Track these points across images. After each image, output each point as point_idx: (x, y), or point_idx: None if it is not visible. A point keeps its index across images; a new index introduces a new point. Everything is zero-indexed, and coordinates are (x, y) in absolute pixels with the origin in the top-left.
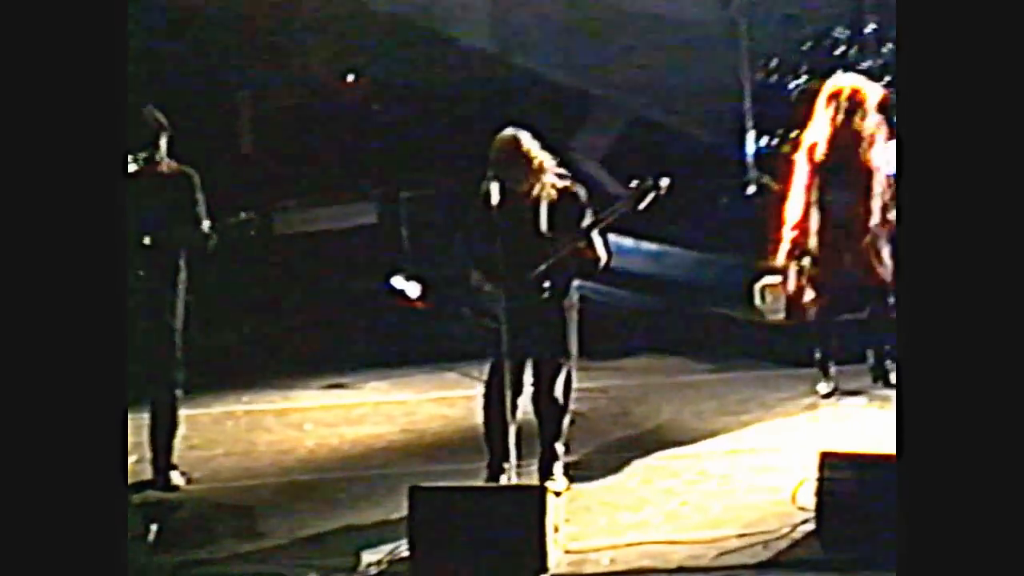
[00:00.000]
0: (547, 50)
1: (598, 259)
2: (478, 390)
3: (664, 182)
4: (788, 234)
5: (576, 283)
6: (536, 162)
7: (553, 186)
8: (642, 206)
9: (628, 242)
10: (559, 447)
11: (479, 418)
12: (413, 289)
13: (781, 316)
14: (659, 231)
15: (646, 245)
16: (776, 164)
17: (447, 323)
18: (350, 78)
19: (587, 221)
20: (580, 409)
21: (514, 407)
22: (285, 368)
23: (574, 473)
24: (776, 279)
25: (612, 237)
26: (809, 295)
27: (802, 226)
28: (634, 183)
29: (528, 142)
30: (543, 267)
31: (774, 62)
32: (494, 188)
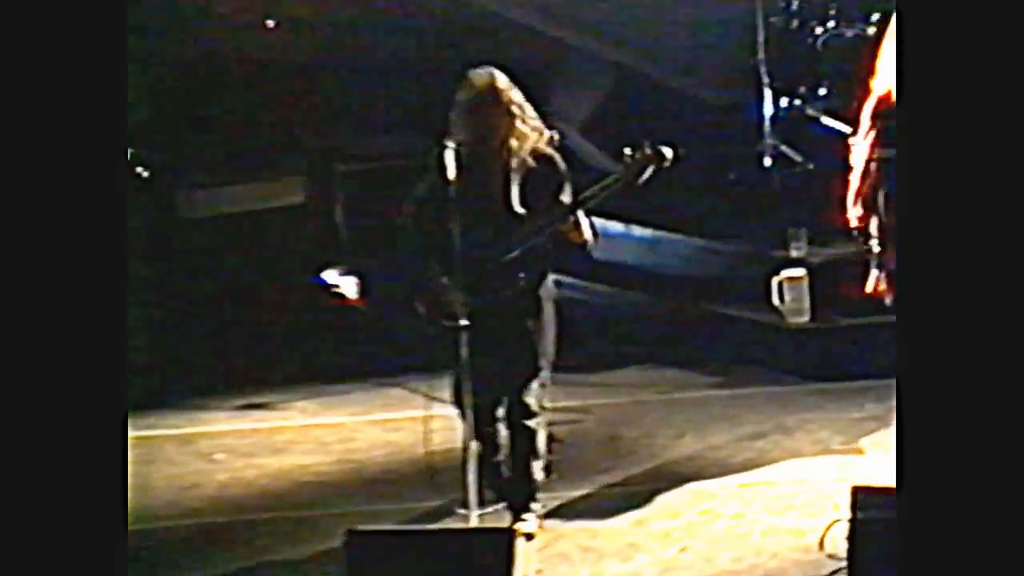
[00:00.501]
0: None
1: (585, 242)
2: (434, 409)
3: (668, 152)
4: (853, 213)
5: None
6: (517, 115)
7: (534, 150)
8: (641, 180)
9: (616, 227)
10: (537, 471)
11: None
12: (350, 286)
13: (805, 318)
14: (654, 213)
15: (638, 231)
16: (798, 130)
17: (392, 327)
18: (270, 23)
19: (566, 194)
20: (559, 433)
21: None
22: (190, 384)
23: (550, 511)
24: (799, 272)
25: (596, 221)
26: (881, 285)
27: (867, 202)
28: (629, 151)
29: (508, 87)
30: (516, 251)
31: (795, 4)
32: (449, 155)
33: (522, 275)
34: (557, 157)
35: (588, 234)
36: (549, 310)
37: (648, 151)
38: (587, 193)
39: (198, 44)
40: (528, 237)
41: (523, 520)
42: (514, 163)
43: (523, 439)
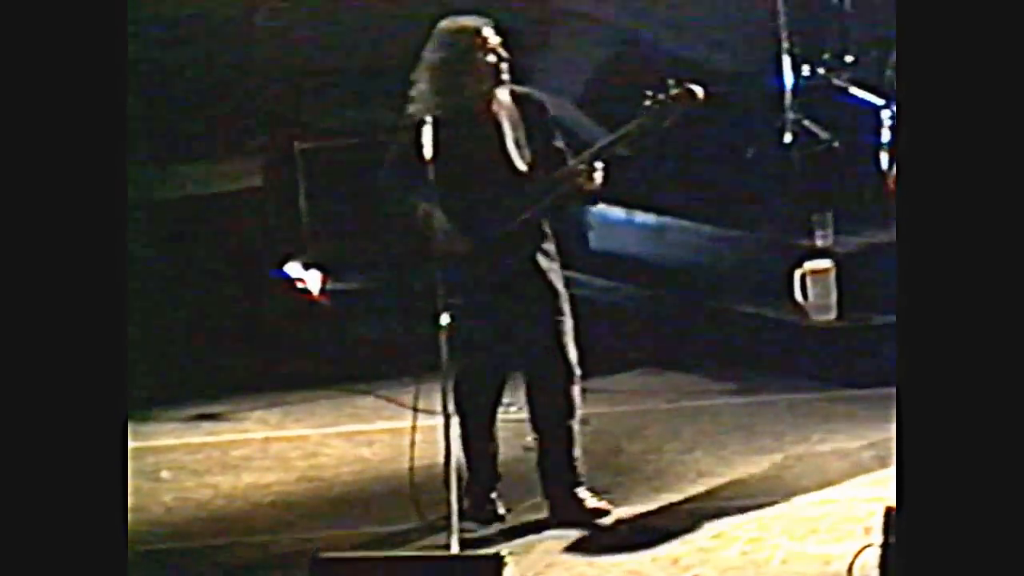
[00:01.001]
0: None
1: (598, 194)
2: (407, 421)
3: (698, 90)
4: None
5: None
6: (503, 65)
7: (515, 95)
8: (665, 124)
9: (617, 213)
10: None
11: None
12: (314, 279)
13: (831, 315)
14: (660, 197)
15: (641, 217)
16: (823, 101)
17: (362, 327)
18: None
19: (558, 140)
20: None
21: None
22: (133, 391)
23: (543, 536)
24: (824, 263)
25: (595, 206)
26: None
27: None
28: (651, 92)
29: (492, 35)
30: (528, 213)
31: None
32: (427, 131)
33: (545, 244)
34: (535, 93)
35: (600, 180)
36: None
37: (675, 91)
38: (604, 142)
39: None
40: (542, 197)
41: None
42: (499, 114)
43: (559, 435)
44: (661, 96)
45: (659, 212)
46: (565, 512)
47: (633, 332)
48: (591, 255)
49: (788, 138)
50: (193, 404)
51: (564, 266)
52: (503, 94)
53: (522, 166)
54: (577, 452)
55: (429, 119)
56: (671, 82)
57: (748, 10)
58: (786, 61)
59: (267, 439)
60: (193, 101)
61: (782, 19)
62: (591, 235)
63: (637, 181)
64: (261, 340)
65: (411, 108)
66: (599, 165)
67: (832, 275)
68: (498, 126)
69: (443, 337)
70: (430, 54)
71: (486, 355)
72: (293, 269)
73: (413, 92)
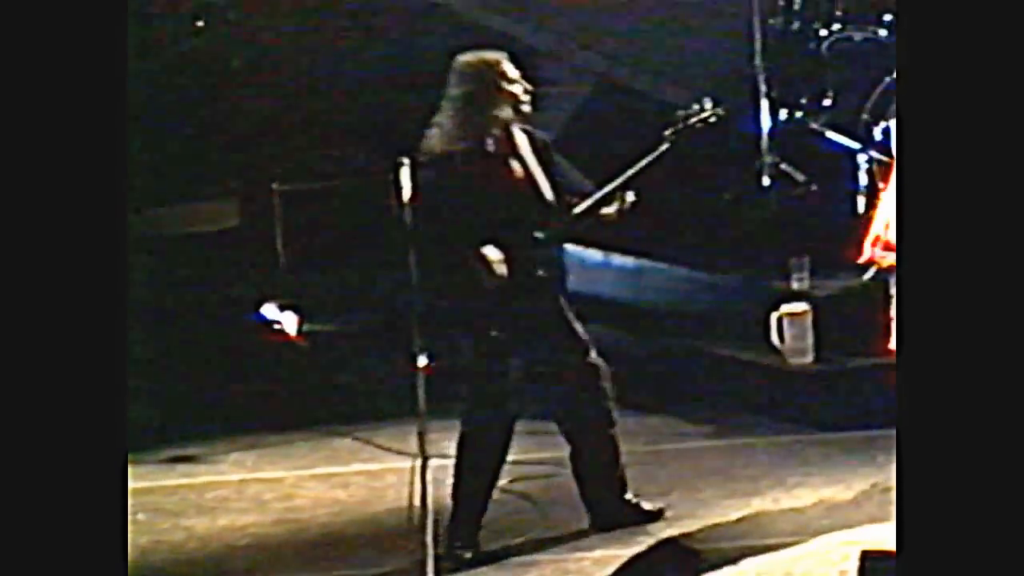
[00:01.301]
0: None
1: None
2: (384, 463)
3: (717, 109)
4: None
5: None
6: (525, 96)
7: (523, 131)
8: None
9: (593, 256)
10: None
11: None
12: (290, 321)
13: (808, 359)
14: (637, 240)
15: (618, 260)
16: (800, 145)
17: (337, 370)
18: (199, 24)
19: (560, 175)
20: (527, 490)
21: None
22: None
23: None
24: (801, 306)
25: (572, 249)
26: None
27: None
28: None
29: (511, 67)
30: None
31: (797, 4)
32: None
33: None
34: (537, 130)
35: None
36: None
37: (694, 117)
38: (633, 170)
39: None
40: (573, 225)
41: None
42: (524, 151)
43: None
44: (680, 125)
45: (636, 255)
46: (615, 517)
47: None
48: (568, 297)
49: (765, 181)
50: (168, 446)
51: None
52: (516, 129)
53: (550, 196)
54: (623, 459)
55: (407, 162)
56: (694, 108)
57: (726, 54)
58: (764, 105)
59: (243, 481)
60: (170, 143)
61: (759, 63)
62: (568, 278)
63: (614, 224)
64: (237, 382)
65: (432, 142)
66: (630, 193)
67: (808, 318)
68: (521, 158)
69: (421, 378)
70: (454, 89)
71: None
72: (269, 311)
73: (433, 129)
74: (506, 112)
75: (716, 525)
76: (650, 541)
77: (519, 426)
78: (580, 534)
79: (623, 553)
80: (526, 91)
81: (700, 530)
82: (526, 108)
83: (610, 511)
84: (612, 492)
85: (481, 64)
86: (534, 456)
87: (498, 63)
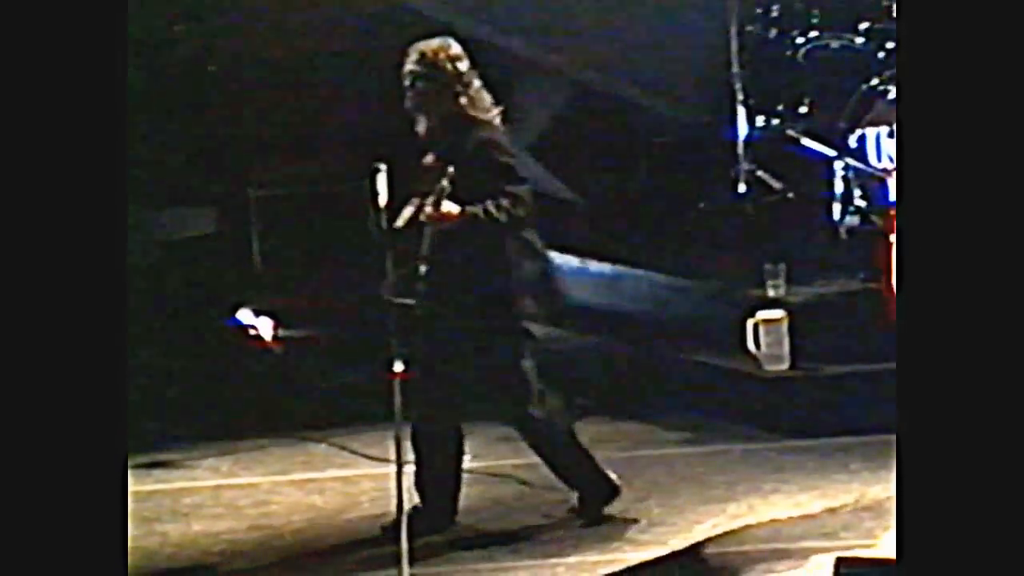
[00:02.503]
0: None
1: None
2: (359, 469)
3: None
4: None
5: None
6: (462, 93)
7: (478, 138)
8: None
9: (571, 262)
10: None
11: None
12: (265, 326)
13: (784, 365)
14: (613, 246)
15: (595, 266)
16: (776, 152)
17: (315, 374)
18: (177, 28)
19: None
20: (501, 496)
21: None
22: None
23: None
24: (777, 313)
25: (552, 255)
26: None
27: None
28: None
29: (453, 58)
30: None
31: (774, 11)
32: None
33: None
34: (504, 144)
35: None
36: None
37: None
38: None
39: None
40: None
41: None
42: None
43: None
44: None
45: (612, 261)
46: (600, 489)
47: (586, 381)
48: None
49: (742, 188)
50: (143, 452)
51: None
52: (465, 123)
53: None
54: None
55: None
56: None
57: (703, 61)
58: (740, 112)
59: (218, 487)
60: (147, 149)
61: (736, 70)
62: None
63: (591, 230)
64: (212, 387)
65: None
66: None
67: (784, 325)
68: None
69: (396, 384)
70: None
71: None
72: (245, 316)
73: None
74: (441, 102)
75: (691, 529)
76: (624, 546)
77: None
78: (552, 538)
79: (599, 559)
80: (464, 81)
81: (674, 534)
82: (463, 101)
83: (596, 485)
84: (592, 466)
85: (415, 52)
86: (507, 462)
87: (434, 49)
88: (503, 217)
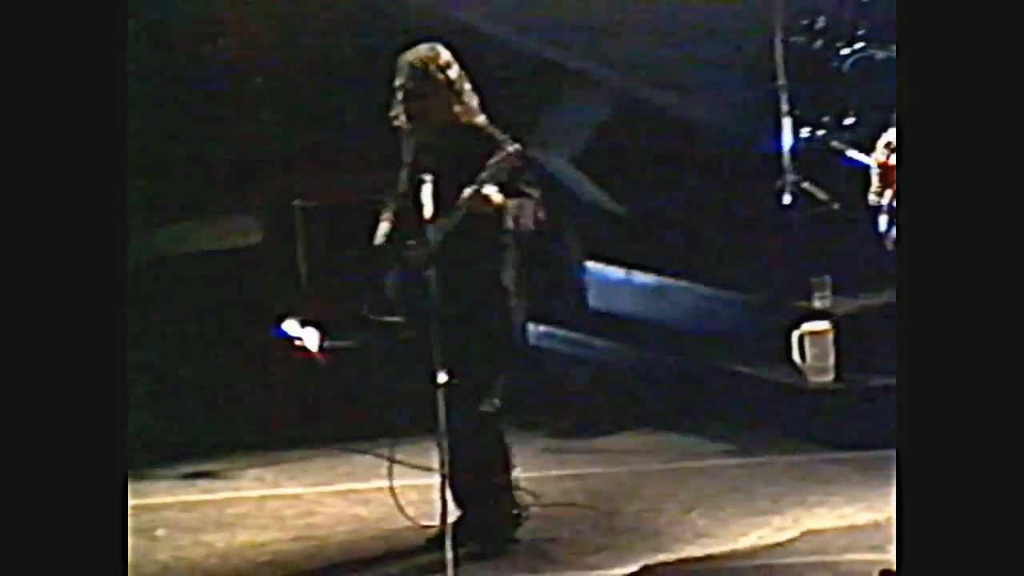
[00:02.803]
0: (502, 5)
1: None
2: (404, 480)
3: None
4: None
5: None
6: (457, 92)
7: (468, 123)
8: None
9: (616, 273)
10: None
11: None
12: (311, 337)
13: (829, 377)
14: (659, 258)
15: (640, 277)
16: (822, 164)
17: (360, 384)
18: (221, 40)
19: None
20: (547, 506)
21: None
22: (128, 448)
23: None
24: (822, 325)
25: (594, 266)
26: None
27: None
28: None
29: (448, 63)
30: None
31: (819, 22)
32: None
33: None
34: (492, 128)
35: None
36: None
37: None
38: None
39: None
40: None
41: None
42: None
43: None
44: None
45: (658, 273)
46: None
47: (630, 392)
48: (589, 315)
49: (787, 200)
50: (189, 462)
51: (561, 326)
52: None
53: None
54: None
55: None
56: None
57: (748, 72)
58: (786, 123)
59: (263, 497)
60: (193, 159)
61: (782, 81)
62: (589, 294)
63: (636, 241)
64: (258, 398)
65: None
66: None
67: (830, 337)
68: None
69: (440, 395)
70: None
71: None
72: (291, 327)
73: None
74: (440, 106)
75: (735, 541)
76: (670, 558)
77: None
78: (598, 547)
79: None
80: (456, 81)
81: (718, 546)
82: (456, 101)
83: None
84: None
85: (409, 61)
86: (553, 473)
87: (428, 56)
88: (533, 216)
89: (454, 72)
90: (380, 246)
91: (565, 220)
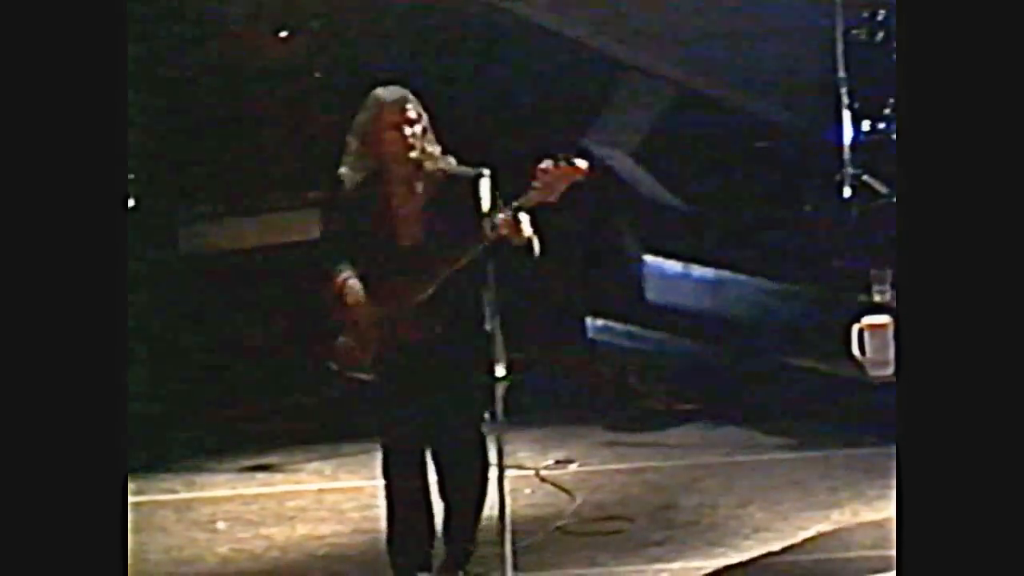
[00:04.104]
0: None
1: (529, 242)
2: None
3: (581, 163)
4: None
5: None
6: (420, 136)
7: (442, 171)
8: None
9: (674, 266)
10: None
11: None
12: None
13: (889, 371)
14: (717, 251)
15: (698, 271)
16: (883, 156)
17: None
18: (283, 34)
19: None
20: (604, 501)
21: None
22: (187, 442)
23: None
24: (883, 319)
25: (652, 259)
26: None
27: None
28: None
29: (414, 105)
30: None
31: (880, 14)
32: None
33: (447, 314)
34: (465, 171)
35: (528, 231)
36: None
37: (564, 164)
38: (508, 207)
39: (198, 56)
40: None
41: None
42: (420, 188)
43: (464, 512)
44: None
45: (716, 266)
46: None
47: (688, 385)
48: (647, 308)
49: (847, 192)
50: (248, 456)
51: (620, 319)
52: (429, 162)
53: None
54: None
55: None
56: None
57: (808, 65)
58: (846, 115)
59: (322, 490)
60: (253, 153)
61: (842, 73)
62: (647, 288)
63: (694, 235)
64: (315, 392)
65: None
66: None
67: (890, 330)
68: (413, 194)
69: (499, 391)
70: (358, 117)
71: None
72: None
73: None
74: (405, 146)
75: (795, 536)
76: (729, 552)
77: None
78: (655, 541)
79: (702, 564)
80: (422, 124)
81: (777, 540)
82: (425, 143)
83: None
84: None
85: (378, 101)
86: (610, 467)
87: (399, 102)
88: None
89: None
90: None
91: (623, 214)
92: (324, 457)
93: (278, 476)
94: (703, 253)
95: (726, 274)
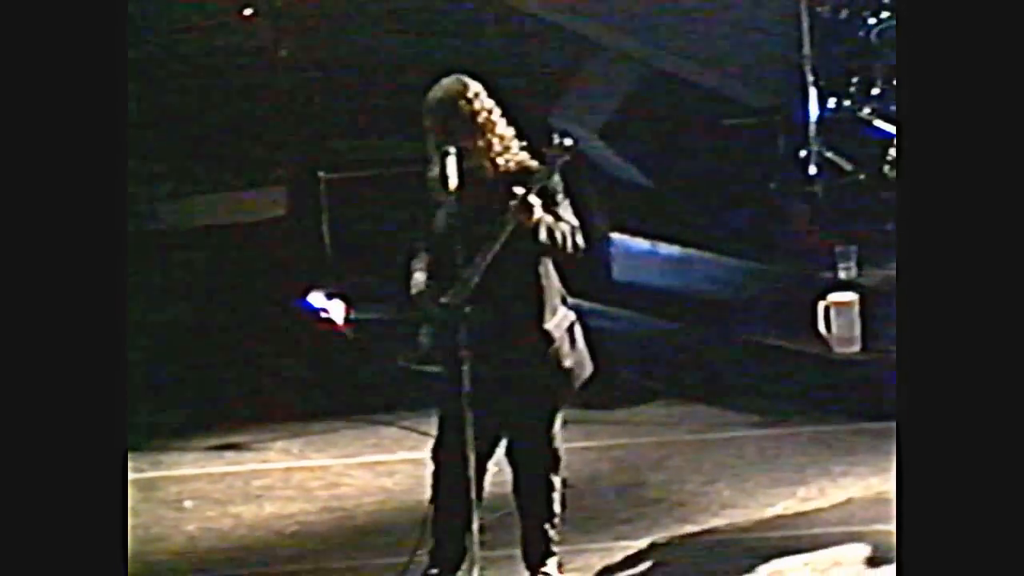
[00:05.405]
0: None
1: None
2: (428, 451)
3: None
4: None
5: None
6: (487, 127)
7: (518, 163)
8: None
9: (640, 244)
10: (552, 532)
11: (427, 494)
12: (337, 310)
13: (855, 348)
14: (683, 229)
15: (665, 248)
16: (848, 134)
17: (385, 358)
18: (247, 12)
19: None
20: (572, 479)
21: (480, 483)
22: (154, 421)
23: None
24: (848, 296)
25: (619, 237)
26: None
27: None
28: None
29: (477, 95)
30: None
31: None
32: (451, 162)
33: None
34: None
35: (537, 215)
36: (563, 338)
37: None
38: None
39: (164, 39)
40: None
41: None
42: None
43: (537, 501)
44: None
45: (683, 244)
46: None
47: (656, 363)
48: (614, 286)
49: (812, 170)
50: (215, 435)
51: (587, 298)
52: (497, 154)
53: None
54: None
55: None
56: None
57: (774, 43)
58: (812, 93)
59: (289, 469)
60: (216, 131)
61: (808, 51)
62: (614, 266)
63: (661, 213)
64: (283, 370)
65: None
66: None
67: (856, 307)
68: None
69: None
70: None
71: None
72: (316, 299)
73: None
74: (470, 137)
75: (761, 512)
76: (694, 529)
77: None
78: (623, 519)
79: (669, 539)
80: (487, 114)
81: (744, 517)
82: (489, 135)
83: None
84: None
85: (439, 91)
86: (578, 445)
87: (457, 89)
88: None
89: (480, 103)
90: (418, 295)
91: (589, 192)
92: (291, 436)
93: (246, 455)
94: (669, 231)
95: (692, 252)
